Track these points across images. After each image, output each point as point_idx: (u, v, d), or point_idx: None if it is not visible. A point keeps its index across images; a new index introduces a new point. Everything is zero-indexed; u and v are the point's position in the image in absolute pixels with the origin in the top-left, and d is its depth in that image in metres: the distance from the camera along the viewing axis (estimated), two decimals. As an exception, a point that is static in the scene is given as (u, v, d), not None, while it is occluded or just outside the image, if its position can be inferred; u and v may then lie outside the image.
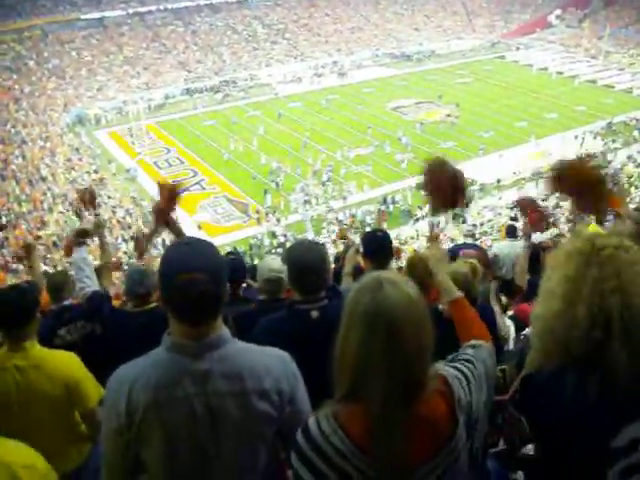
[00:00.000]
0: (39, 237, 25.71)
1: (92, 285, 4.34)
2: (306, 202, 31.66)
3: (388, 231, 4.37)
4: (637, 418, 1.74)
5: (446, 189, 2.88)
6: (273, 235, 28.54)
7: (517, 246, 7.81)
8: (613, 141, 38.57)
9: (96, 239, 5.55)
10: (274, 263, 3.99)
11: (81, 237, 4.94)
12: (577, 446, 1.79)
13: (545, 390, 1.87)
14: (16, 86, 48.62)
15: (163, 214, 4.15)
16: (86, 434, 3.50)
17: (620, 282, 1.75)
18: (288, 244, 26.70)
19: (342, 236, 15.51)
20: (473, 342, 2.08)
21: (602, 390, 1.74)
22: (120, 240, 27.25)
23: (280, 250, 24.28)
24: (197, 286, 1.85)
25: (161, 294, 1.96)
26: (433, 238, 2.74)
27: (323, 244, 3.63)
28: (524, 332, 4.68)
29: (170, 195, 4.14)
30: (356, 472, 1.68)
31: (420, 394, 1.70)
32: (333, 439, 1.70)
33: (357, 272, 4.94)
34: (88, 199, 5.81)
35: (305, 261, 2.88)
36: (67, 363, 3.33)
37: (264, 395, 1.97)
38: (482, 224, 27.57)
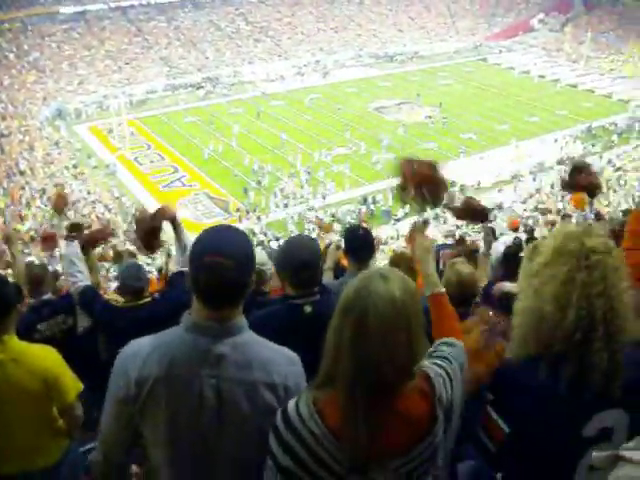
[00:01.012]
0: (17, 231, 25.45)
1: (84, 279, 4.30)
2: (285, 202, 31.68)
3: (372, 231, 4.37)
4: (607, 408, 1.79)
5: (429, 181, 2.88)
6: (252, 233, 28.49)
7: (496, 246, 7.87)
8: (593, 145, 38.98)
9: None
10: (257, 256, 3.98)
11: (74, 231, 4.89)
12: (548, 435, 1.81)
13: (518, 375, 1.92)
14: (-5, 78, 48.09)
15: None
16: (64, 429, 3.46)
17: (605, 286, 1.80)
18: (268, 242, 26.70)
19: (328, 230, 15.55)
20: (447, 340, 2.08)
21: (573, 383, 1.79)
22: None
23: (259, 248, 24.22)
24: (221, 270, 1.88)
25: (189, 274, 1.98)
26: (420, 229, 2.71)
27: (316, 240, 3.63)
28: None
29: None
30: (331, 459, 1.69)
31: (394, 388, 1.71)
32: (310, 423, 1.72)
33: (338, 268, 4.96)
34: (61, 203, 5.74)
35: (300, 256, 2.88)
36: (46, 357, 3.27)
37: (272, 388, 1.99)
38: (461, 225, 27.69)
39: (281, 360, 2.06)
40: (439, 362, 1.91)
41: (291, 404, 1.80)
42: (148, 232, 4.32)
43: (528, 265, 2.02)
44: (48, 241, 6.99)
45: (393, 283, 1.72)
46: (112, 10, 60.94)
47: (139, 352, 1.98)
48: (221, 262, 1.88)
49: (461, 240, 8.31)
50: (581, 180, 5.61)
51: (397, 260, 4.97)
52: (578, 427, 1.78)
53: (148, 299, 4.12)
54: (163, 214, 4.31)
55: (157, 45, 59.12)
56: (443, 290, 2.44)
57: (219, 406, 1.95)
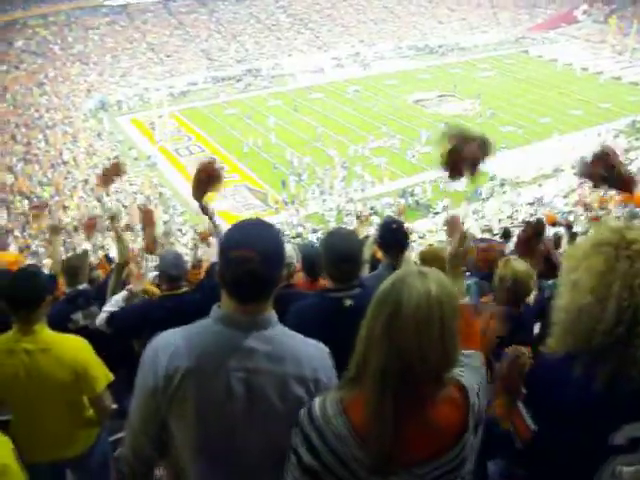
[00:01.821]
0: (61, 222, 25.92)
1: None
2: (324, 194, 31.68)
3: (407, 224, 4.35)
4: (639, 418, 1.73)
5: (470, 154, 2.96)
6: (291, 225, 28.56)
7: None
8: (637, 139, 38.06)
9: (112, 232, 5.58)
10: None
11: (112, 221, 4.99)
12: (576, 435, 1.77)
13: (553, 370, 1.88)
14: (40, 71, 48.86)
15: (198, 192, 4.20)
16: (94, 419, 3.52)
17: None
18: (306, 235, 26.76)
19: (365, 223, 15.49)
20: (466, 351, 1.99)
21: (611, 382, 1.72)
22: (140, 226, 27.35)
23: (298, 240, 24.28)
24: (247, 264, 1.88)
25: (218, 267, 2.00)
26: (462, 236, 2.66)
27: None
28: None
29: (208, 175, 4.21)
30: (353, 460, 1.68)
31: (424, 392, 1.68)
32: (334, 422, 1.70)
33: (374, 261, 4.96)
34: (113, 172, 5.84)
35: (342, 249, 2.87)
36: (76, 348, 3.34)
37: (302, 381, 1.98)
38: (501, 220, 27.39)
39: (312, 353, 2.06)
40: (469, 371, 1.88)
41: (317, 402, 1.79)
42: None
43: (568, 261, 1.96)
44: (92, 228, 7.14)
45: (430, 279, 1.69)
46: (154, 3, 61.43)
47: (168, 344, 1.99)
48: (247, 256, 1.89)
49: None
50: (598, 169, 5.36)
51: (428, 257, 4.95)
52: (606, 433, 1.73)
53: (186, 289, 4.16)
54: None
55: (198, 38, 59.43)
56: (466, 300, 2.40)
57: (248, 399, 1.96)
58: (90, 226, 7.16)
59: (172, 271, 4.07)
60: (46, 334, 3.31)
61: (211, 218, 4.34)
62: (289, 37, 62.32)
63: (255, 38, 61.10)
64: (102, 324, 4.18)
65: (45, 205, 6.95)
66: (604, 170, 4.88)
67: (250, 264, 1.88)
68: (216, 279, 1.99)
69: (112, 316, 4.16)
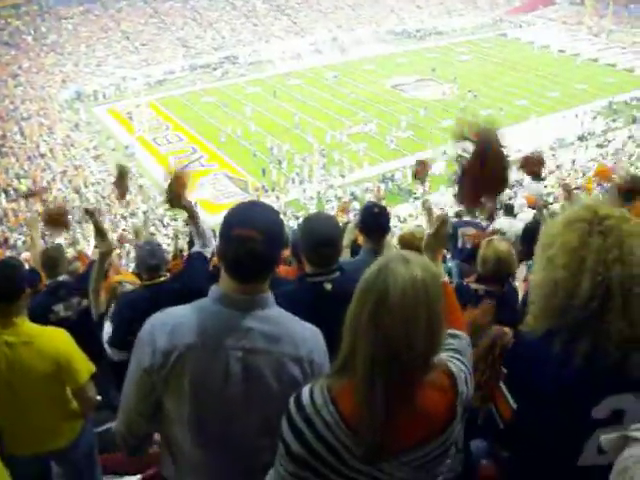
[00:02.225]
0: (38, 214, 25.70)
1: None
2: (303, 181, 31.69)
3: (388, 209, 4.35)
4: (621, 391, 1.75)
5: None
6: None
7: (515, 224, 7.84)
8: (614, 120, 38.41)
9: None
10: None
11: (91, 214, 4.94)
12: (557, 412, 1.78)
13: (532, 349, 1.89)
14: (14, 62, 48.27)
15: (177, 198, 4.19)
16: (78, 411, 3.50)
17: (621, 253, 1.75)
18: (287, 221, 26.73)
19: (343, 209, 15.51)
20: (452, 331, 2.00)
21: (589, 357, 1.74)
22: (119, 217, 27.23)
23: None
24: (249, 243, 1.90)
25: (218, 247, 2.02)
26: (442, 221, 2.58)
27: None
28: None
29: (182, 181, 4.19)
30: (342, 447, 1.67)
31: (413, 377, 1.67)
32: (323, 411, 1.69)
33: (354, 246, 4.96)
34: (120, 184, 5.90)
35: (321, 233, 2.86)
36: (58, 339, 3.31)
37: (298, 361, 2.00)
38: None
39: (307, 334, 2.08)
40: (458, 356, 1.88)
41: (305, 390, 1.77)
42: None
43: (542, 238, 1.96)
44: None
45: (415, 265, 1.67)
46: (128, -9, 60.84)
47: (166, 322, 1.99)
48: (249, 235, 1.90)
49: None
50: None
51: (407, 240, 4.97)
52: (588, 407, 1.75)
53: (164, 278, 4.14)
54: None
55: (173, 26, 58.91)
56: (446, 279, 2.40)
57: (245, 379, 1.97)
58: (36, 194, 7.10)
59: (150, 260, 4.05)
60: (27, 326, 3.28)
61: (193, 216, 4.30)
62: (266, 23, 61.93)
63: (231, 25, 60.66)
64: (114, 354, 4.09)
65: (45, 190, 6.95)
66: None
67: (251, 243, 1.89)
68: (197, 269, 1.98)
69: (112, 341, 4.08)
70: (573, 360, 1.74)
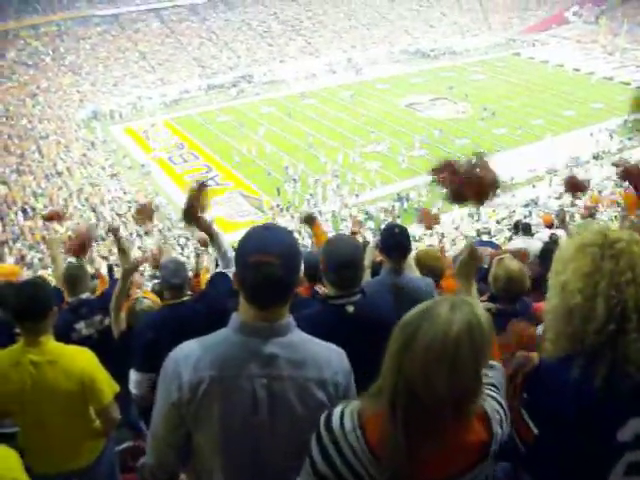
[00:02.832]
0: (56, 232, 25.87)
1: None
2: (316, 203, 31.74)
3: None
4: None
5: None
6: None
7: (531, 243, 7.81)
8: (629, 139, 38.24)
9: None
10: None
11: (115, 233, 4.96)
12: (579, 436, 1.76)
13: (552, 374, 1.86)
14: (33, 82, 48.86)
15: (194, 216, 4.21)
16: (100, 430, 3.51)
17: (634, 275, 1.75)
18: (302, 240, 26.74)
19: (356, 226, 15.53)
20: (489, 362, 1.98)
21: (609, 378, 1.72)
22: (135, 235, 27.35)
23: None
24: (267, 269, 1.88)
25: (236, 273, 2.00)
26: (472, 248, 2.60)
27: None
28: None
29: (197, 197, 4.21)
30: (367, 475, 1.67)
31: (440, 420, 1.65)
32: (350, 437, 1.70)
33: (376, 266, 4.96)
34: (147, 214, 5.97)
35: (343, 256, 2.84)
36: (83, 359, 3.33)
37: (322, 384, 1.99)
38: (498, 222, 27.42)
39: (332, 356, 2.07)
40: (493, 394, 1.86)
41: (336, 412, 1.78)
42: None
43: (555, 264, 1.96)
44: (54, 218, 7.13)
45: (459, 313, 1.65)
46: (145, 12, 61.55)
47: (190, 355, 1.99)
48: (266, 261, 1.88)
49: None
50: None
51: (423, 257, 4.97)
52: (612, 430, 1.73)
53: (187, 297, 4.13)
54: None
55: (190, 46, 59.49)
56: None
57: (272, 406, 1.97)
58: (55, 216, 7.11)
59: (173, 279, 4.05)
60: (52, 346, 3.29)
61: (211, 236, 4.32)
62: (281, 44, 62.41)
63: (247, 45, 61.19)
64: (139, 380, 4.00)
65: (63, 214, 6.91)
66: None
67: (269, 268, 1.88)
68: (219, 289, 1.98)
69: (137, 365, 3.99)
70: (592, 383, 1.73)
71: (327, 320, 2.81)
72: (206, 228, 4.29)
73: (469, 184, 2.79)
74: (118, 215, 29.21)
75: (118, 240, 4.98)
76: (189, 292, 4.24)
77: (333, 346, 2.11)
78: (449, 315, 1.64)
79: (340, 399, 1.96)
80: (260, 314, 1.97)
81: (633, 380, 1.71)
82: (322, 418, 1.80)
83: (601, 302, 1.75)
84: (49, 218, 6.93)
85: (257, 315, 1.97)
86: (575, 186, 6.56)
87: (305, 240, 26.46)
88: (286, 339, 2.00)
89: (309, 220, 5.26)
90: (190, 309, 3.91)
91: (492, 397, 1.84)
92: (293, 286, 2.02)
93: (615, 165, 5.93)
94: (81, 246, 5.76)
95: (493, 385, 1.90)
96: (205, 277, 6.30)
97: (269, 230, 2.05)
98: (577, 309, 1.79)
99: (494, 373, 1.96)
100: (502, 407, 1.84)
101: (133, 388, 3.91)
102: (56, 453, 3.37)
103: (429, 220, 7.01)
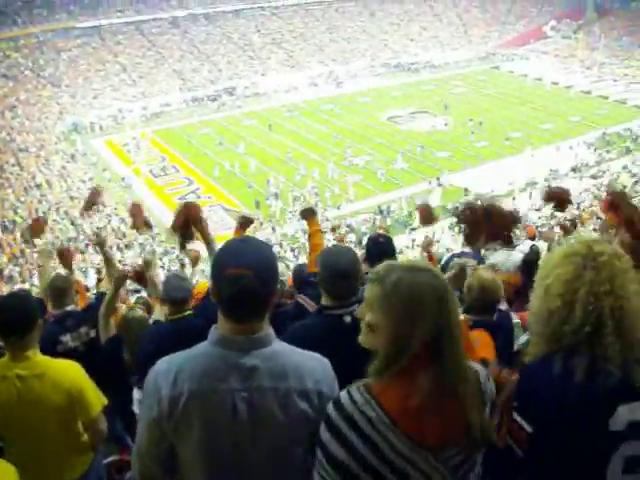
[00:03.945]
0: (34, 245, 25.61)
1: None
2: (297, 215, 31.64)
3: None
4: (630, 400, 1.80)
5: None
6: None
7: (513, 255, 7.83)
8: (607, 152, 38.73)
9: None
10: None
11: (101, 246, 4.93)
12: (571, 429, 1.82)
13: (535, 372, 1.97)
14: (12, 94, 48.56)
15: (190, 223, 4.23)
16: (88, 444, 3.47)
17: (612, 286, 1.87)
18: (284, 253, 26.73)
19: (340, 241, 15.57)
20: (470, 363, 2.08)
21: (590, 373, 1.82)
22: (115, 249, 27.19)
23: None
24: (242, 282, 1.88)
25: (212, 288, 1.99)
26: (460, 268, 2.74)
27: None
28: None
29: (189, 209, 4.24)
30: (385, 443, 1.72)
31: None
32: (365, 408, 1.76)
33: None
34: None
35: (339, 266, 2.85)
36: (70, 372, 3.29)
37: (305, 395, 1.97)
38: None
39: (314, 366, 2.05)
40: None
41: (343, 393, 1.83)
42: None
43: (541, 270, 2.08)
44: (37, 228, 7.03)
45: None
46: (126, 24, 61.49)
47: (169, 370, 1.98)
48: (241, 274, 1.88)
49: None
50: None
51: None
52: (603, 420, 1.79)
53: (189, 312, 4.10)
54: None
55: (171, 58, 59.51)
56: (462, 317, 2.45)
57: (253, 418, 1.95)
58: (37, 226, 7.04)
59: (177, 294, 4.03)
60: (39, 359, 3.25)
61: (209, 242, 4.34)
62: (262, 57, 62.61)
63: (228, 58, 61.31)
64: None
65: (44, 221, 6.80)
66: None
67: (244, 281, 1.88)
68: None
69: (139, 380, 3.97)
70: (575, 376, 1.83)
71: (323, 330, 2.82)
72: (205, 235, 4.31)
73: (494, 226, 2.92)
74: (97, 228, 29.00)
75: (104, 251, 4.95)
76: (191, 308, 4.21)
77: (317, 355, 2.11)
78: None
79: (324, 409, 1.94)
80: (238, 327, 1.96)
81: (615, 376, 1.80)
82: (330, 405, 1.85)
83: (579, 307, 1.87)
84: (31, 236, 6.78)
85: (235, 328, 1.97)
86: (556, 196, 6.33)
87: (287, 253, 26.52)
88: (267, 350, 1.99)
89: (308, 213, 4.93)
90: (192, 324, 3.88)
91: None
92: (270, 299, 2.00)
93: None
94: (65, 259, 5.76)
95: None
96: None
97: (245, 242, 2.06)
98: (556, 312, 1.92)
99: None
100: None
101: (137, 408, 3.87)
102: (44, 468, 3.32)
103: (428, 217, 6.79)
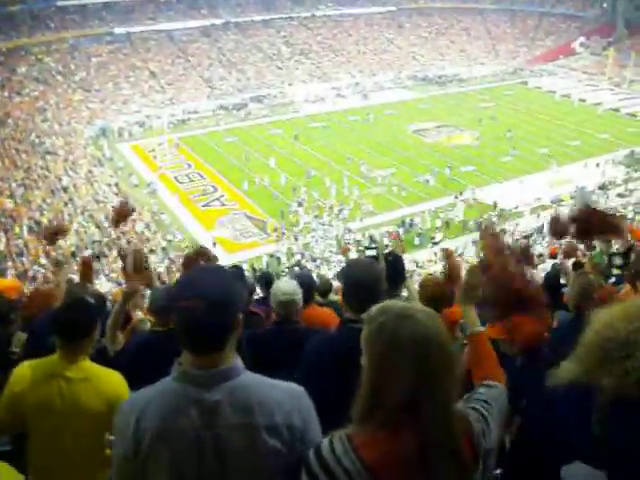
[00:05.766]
0: (59, 246, 25.86)
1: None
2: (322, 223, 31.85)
3: (406, 254, 4.36)
4: None
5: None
6: (290, 253, 28.53)
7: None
8: (635, 170, 38.25)
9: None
10: (286, 286, 3.97)
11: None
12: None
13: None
14: (43, 97, 49.24)
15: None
16: (109, 460, 3.47)
17: None
18: (305, 262, 26.73)
19: (344, 252, 15.56)
20: (487, 382, 2.07)
21: None
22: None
23: (296, 268, 24.24)
24: (193, 313, 1.84)
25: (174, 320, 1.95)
26: (475, 269, 2.66)
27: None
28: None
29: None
30: None
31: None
32: (344, 461, 1.70)
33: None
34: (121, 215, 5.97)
35: (361, 279, 2.88)
36: (115, 381, 3.34)
37: (274, 430, 1.90)
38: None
39: (283, 398, 1.96)
40: (477, 406, 1.91)
41: (325, 441, 1.78)
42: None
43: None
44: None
45: (429, 314, 1.81)
46: (157, 32, 62.23)
47: (134, 407, 1.95)
48: (192, 306, 1.83)
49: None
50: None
51: (428, 284, 4.96)
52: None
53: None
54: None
55: (199, 66, 60.07)
56: (482, 329, 2.40)
57: (220, 457, 1.89)
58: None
59: (160, 303, 4.01)
60: (87, 364, 3.33)
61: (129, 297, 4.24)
62: (290, 67, 62.96)
63: (256, 67, 61.74)
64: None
65: (65, 230, 6.81)
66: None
67: (197, 313, 1.83)
68: None
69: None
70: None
71: (345, 343, 2.80)
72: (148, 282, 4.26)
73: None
74: (122, 233, 29.22)
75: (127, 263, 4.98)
76: None
77: (292, 385, 2.04)
78: (426, 316, 1.81)
79: (298, 442, 1.91)
80: (198, 360, 1.91)
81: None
82: (310, 451, 1.79)
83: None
84: (49, 235, 6.85)
85: (196, 362, 1.91)
86: (560, 229, 5.87)
87: (308, 263, 26.48)
88: (231, 384, 1.92)
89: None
90: (171, 338, 3.84)
91: (474, 409, 1.90)
92: (226, 329, 1.92)
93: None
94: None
95: (484, 401, 1.95)
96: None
97: (203, 272, 2.06)
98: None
99: (492, 391, 2.03)
100: (483, 417, 1.88)
101: None
102: (63, 475, 3.34)
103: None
